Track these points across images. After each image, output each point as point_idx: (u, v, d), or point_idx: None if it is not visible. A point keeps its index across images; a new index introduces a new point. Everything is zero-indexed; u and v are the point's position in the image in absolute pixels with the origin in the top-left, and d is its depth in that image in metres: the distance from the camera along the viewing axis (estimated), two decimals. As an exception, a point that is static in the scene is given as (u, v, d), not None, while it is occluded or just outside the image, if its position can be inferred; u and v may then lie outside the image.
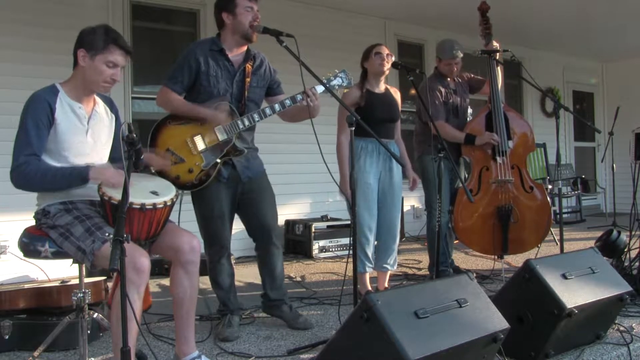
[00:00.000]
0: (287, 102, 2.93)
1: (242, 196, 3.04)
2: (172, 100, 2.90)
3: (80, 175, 2.19)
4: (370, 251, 3.54)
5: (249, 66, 3.01)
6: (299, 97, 2.92)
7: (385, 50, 3.57)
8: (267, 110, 2.92)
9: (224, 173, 2.94)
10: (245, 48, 3.03)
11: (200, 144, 2.86)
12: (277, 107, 2.92)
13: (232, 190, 3.01)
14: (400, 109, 3.71)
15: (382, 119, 3.52)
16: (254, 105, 3.04)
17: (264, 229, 3.07)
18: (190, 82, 2.92)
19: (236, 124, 2.89)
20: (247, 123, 2.91)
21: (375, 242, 3.64)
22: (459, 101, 4.16)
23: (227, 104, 2.90)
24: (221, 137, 2.88)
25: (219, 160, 2.90)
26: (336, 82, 3.03)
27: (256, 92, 3.06)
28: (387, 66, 3.56)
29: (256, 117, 2.91)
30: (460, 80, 4.26)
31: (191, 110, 2.86)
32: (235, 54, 3.00)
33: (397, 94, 3.72)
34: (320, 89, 2.93)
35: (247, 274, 4.58)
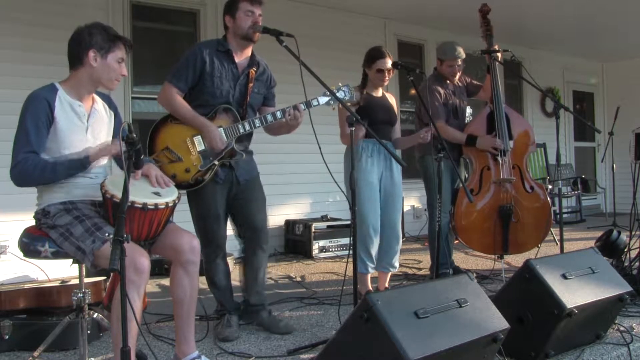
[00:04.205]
0: (288, 109, 2.93)
1: (235, 198, 3.05)
2: (175, 103, 2.88)
3: (80, 161, 2.20)
4: (374, 252, 3.53)
5: (252, 72, 3.01)
6: (284, 112, 2.94)
7: (387, 65, 3.53)
8: (269, 117, 2.93)
9: (220, 174, 2.95)
10: (249, 53, 3.03)
11: (199, 144, 2.86)
12: (278, 114, 2.93)
13: (226, 192, 3.01)
14: (396, 113, 3.73)
15: (381, 120, 3.54)
16: (251, 110, 3.05)
17: (253, 230, 3.08)
18: (194, 81, 2.91)
19: (237, 127, 2.90)
20: (247, 128, 2.91)
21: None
22: (458, 102, 4.17)
23: (229, 107, 2.91)
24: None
25: (216, 162, 2.90)
26: (339, 95, 3.03)
27: (256, 99, 3.08)
28: (387, 80, 3.59)
29: (257, 123, 2.93)
30: (458, 82, 4.26)
31: (191, 119, 2.86)
32: (241, 58, 3.00)
33: (392, 99, 3.75)
34: (322, 100, 2.97)
35: (247, 274, 4.57)
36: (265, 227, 3.13)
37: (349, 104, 3.10)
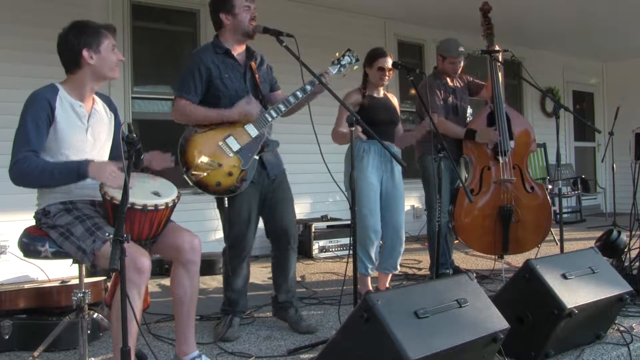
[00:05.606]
0: (308, 87, 2.90)
1: (266, 197, 3.01)
2: (192, 110, 2.83)
3: (79, 170, 2.17)
4: (374, 253, 3.52)
5: (253, 64, 3.00)
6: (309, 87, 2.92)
7: (388, 64, 3.55)
8: (291, 99, 2.89)
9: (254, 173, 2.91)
10: (244, 46, 3.02)
11: (234, 144, 2.81)
12: (299, 93, 2.89)
13: (259, 191, 2.98)
14: (398, 113, 3.73)
15: (383, 121, 3.54)
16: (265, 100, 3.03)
17: (284, 232, 3.06)
18: (203, 89, 2.87)
19: (264, 117, 2.87)
20: (274, 115, 2.89)
21: (381, 243, 3.64)
22: (458, 101, 4.17)
23: (250, 97, 2.89)
24: (253, 133, 2.85)
25: (256, 157, 2.86)
26: (345, 61, 3.04)
27: (265, 88, 3.06)
28: (388, 80, 3.60)
29: (282, 107, 2.88)
30: (459, 81, 4.26)
31: (219, 116, 2.82)
32: (238, 52, 2.99)
33: (394, 99, 3.75)
34: (333, 70, 2.99)
35: (247, 274, 4.56)
36: (293, 227, 3.10)
37: (355, 67, 3.09)
